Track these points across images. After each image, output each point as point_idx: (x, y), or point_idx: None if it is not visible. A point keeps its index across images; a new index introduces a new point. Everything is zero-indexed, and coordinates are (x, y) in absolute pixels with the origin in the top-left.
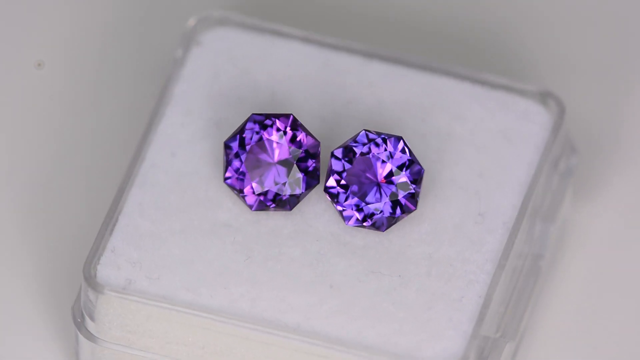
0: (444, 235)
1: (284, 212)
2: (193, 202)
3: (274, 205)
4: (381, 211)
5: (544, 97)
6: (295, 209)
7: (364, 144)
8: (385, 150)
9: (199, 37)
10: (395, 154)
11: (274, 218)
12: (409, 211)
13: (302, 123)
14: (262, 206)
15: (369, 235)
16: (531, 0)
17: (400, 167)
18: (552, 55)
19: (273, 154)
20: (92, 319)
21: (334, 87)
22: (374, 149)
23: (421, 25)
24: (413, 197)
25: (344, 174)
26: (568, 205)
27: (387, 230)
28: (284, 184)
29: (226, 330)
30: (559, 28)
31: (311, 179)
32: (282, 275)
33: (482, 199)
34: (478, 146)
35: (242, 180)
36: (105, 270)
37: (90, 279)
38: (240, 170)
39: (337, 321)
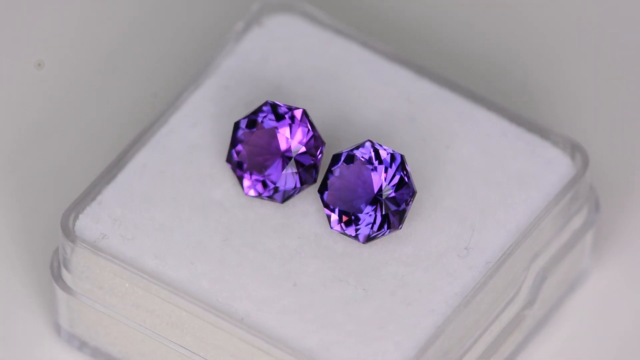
0: (423, 261)
1: (276, 204)
2: (195, 175)
3: (266, 194)
4: (368, 223)
5: (572, 148)
6: (289, 202)
7: (364, 154)
8: (383, 164)
9: (263, 19)
10: (391, 170)
11: (266, 207)
12: (393, 229)
13: (323, 122)
14: (255, 192)
15: (351, 244)
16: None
17: (394, 184)
18: (583, 107)
19: (276, 144)
20: (66, 268)
21: (373, 94)
22: (374, 160)
23: (464, 55)
24: (399, 216)
25: (338, 178)
26: (578, 261)
27: (371, 243)
28: (279, 175)
29: (178, 303)
30: (593, 85)
31: (308, 176)
32: (251, 263)
33: (474, 234)
34: (491, 182)
35: (242, 163)
36: (85, 221)
37: (66, 227)
38: (242, 152)
39: (286, 319)
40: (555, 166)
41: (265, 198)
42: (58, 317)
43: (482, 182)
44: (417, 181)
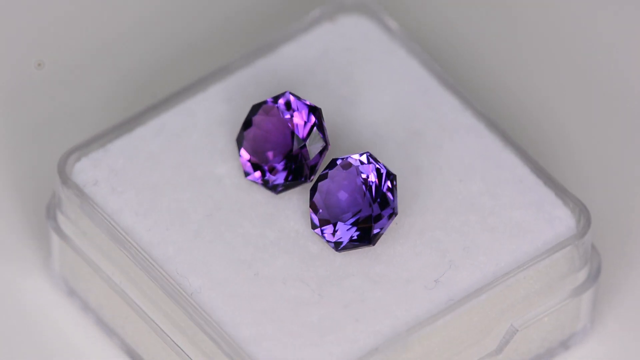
0: (389, 283)
1: (272, 193)
2: (207, 147)
3: (260, 181)
4: (343, 234)
5: (579, 211)
6: (285, 195)
7: (360, 164)
8: (373, 180)
9: (337, 15)
10: (380, 187)
11: (262, 194)
12: (365, 244)
13: (344, 127)
14: (252, 177)
15: (327, 249)
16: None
17: (377, 202)
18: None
19: (283, 135)
20: (59, 209)
21: (409, 113)
22: (366, 174)
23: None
24: (370, 234)
25: (329, 181)
26: (573, 320)
27: (346, 253)
28: (276, 167)
29: (139, 264)
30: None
31: (304, 173)
32: (223, 243)
33: (449, 270)
34: (488, 224)
35: (245, 145)
36: (85, 164)
37: (63, 167)
38: (250, 136)
39: (232, 305)
40: (557, 225)
41: (261, 185)
42: (51, 259)
43: (479, 222)
44: (416, 206)
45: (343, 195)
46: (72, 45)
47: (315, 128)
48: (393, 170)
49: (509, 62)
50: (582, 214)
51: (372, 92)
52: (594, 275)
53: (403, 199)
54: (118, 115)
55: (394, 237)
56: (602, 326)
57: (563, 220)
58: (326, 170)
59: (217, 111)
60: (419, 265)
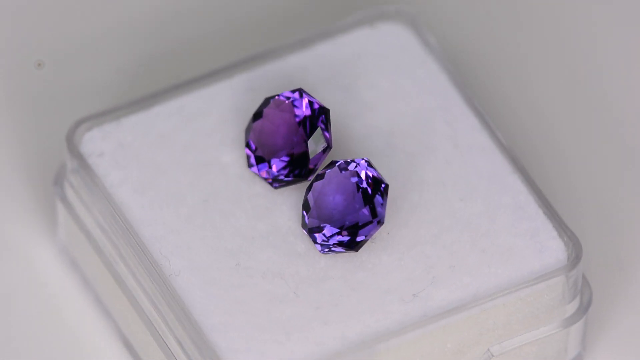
0: (367, 291)
1: (271, 187)
2: (219, 134)
3: (260, 173)
4: (328, 237)
5: (573, 245)
6: (285, 191)
7: (356, 172)
8: (365, 187)
9: (378, 21)
10: (371, 194)
11: (262, 187)
12: (349, 250)
13: (358, 133)
14: (254, 169)
15: (313, 250)
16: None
17: (366, 208)
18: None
19: (288, 132)
20: (65, 179)
21: (426, 127)
22: (359, 179)
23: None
24: (354, 240)
25: (323, 182)
26: (562, 349)
27: (331, 255)
28: (276, 162)
29: (125, 240)
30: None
31: (302, 172)
32: (212, 230)
33: (430, 286)
34: (479, 245)
35: (252, 136)
36: (95, 135)
37: (72, 134)
38: (257, 127)
39: (207, 292)
40: (547, 256)
41: (262, 177)
42: (57, 228)
43: (470, 242)
44: (412, 219)
45: (334, 198)
46: (100, 17)
47: (319, 128)
48: (397, 181)
49: (538, 89)
50: (574, 247)
51: (394, 101)
52: (584, 308)
53: (400, 211)
54: (141, 92)
55: (383, 246)
56: (591, 358)
57: (554, 252)
58: (323, 171)
59: (238, 100)
60: (401, 277)
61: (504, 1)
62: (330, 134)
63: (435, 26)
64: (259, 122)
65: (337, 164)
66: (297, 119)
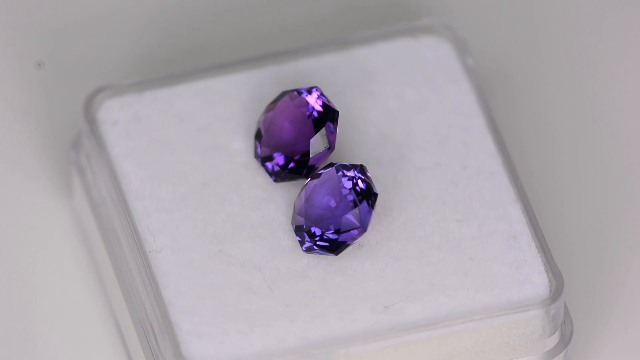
0: (341, 296)
1: (273, 181)
2: (236, 120)
3: (262, 164)
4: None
5: (556, 282)
6: (287, 185)
7: (349, 176)
8: (353, 192)
9: (422, 34)
10: (358, 201)
11: (264, 178)
12: (329, 253)
13: (368, 142)
14: (258, 159)
15: (298, 248)
16: None
17: (350, 214)
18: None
19: (295, 126)
20: (80, 144)
21: (441, 145)
22: (349, 185)
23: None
24: (335, 244)
25: (316, 182)
26: None
27: (314, 256)
28: (277, 157)
29: (117, 211)
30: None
31: (297, 168)
32: (204, 213)
33: (405, 300)
34: (463, 267)
35: (261, 126)
36: (114, 104)
37: (90, 100)
38: (267, 118)
39: (182, 273)
40: (528, 289)
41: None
42: (71, 192)
43: (455, 263)
44: (404, 232)
45: (323, 199)
46: None
47: (324, 128)
48: (399, 193)
49: (565, 122)
50: (557, 283)
51: (416, 114)
52: (565, 342)
53: (395, 222)
54: (173, 67)
55: (368, 254)
56: None
57: (536, 285)
58: (320, 172)
59: (263, 90)
60: (378, 287)
61: (552, 34)
62: (334, 136)
63: (479, 45)
64: (269, 114)
65: (333, 166)
66: (306, 116)
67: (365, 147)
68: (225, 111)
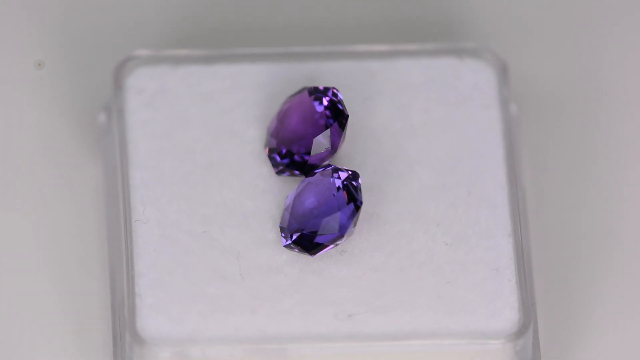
0: (309, 298)
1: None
2: (259, 109)
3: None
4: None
5: (525, 315)
6: (290, 180)
7: (335, 182)
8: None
9: (466, 55)
10: (341, 206)
11: (271, 171)
12: (304, 252)
13: (386, 154)
14: (267, 150)
15: (279, 246)
16: None
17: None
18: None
19: (305, 122)
20: (107, 110)
21: (455, 168)
22: (336, 189)
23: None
24: (313, 247)
25: (306, 182)
26: None
27: (293, 253)
28: (281, 146)
29: (114, 181)
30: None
31: (297, 165)
32: (200, 194)
33: (370, 311)
34: (437, 292)
35: (276, 117)
36: (145, 72)
37: (121, 65)
38: (282, 110)
39: (161, 245)
40: (495, 322)
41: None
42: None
43: (432, 284)
44: (390, 246)
45: (308, 199)
46: None
47: (329, 130)
48: (398, 206)
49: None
50: (526, 319)
51: (437, 132)
52: None
53: (385, 235)
54: (215, 45)
55: (349, 261)
56: None
57: (505, 321)
58: (315, 172)
59: (297, 84)
60: (349, 295)
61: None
62: (339, 139)
63: (523, 70)
64: (285, 106)
65: (326, 168)
66: (316, 114)
67: (378, 156)
68: (252, 98)
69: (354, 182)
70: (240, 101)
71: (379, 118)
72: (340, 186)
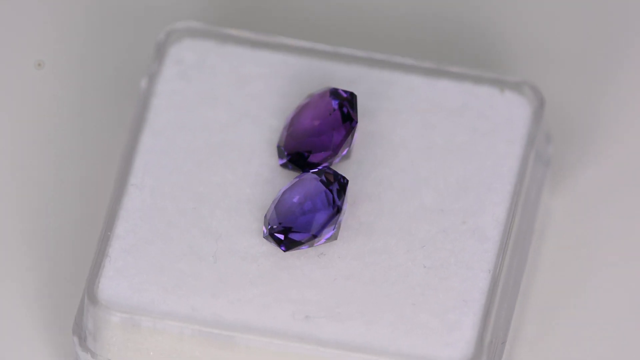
0: (273, 291)
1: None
2: (289, 100)
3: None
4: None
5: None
6: (295, 174)
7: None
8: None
9: (509, 89)
10: (321, 209)
11: (275, 162)
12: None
13: (394, 172)
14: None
15: (261, 237)
16: None
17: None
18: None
19: (315, 120)
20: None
21: (459, 197)
22: (322, 192)
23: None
24: (290, 242)
25: (297, 179)
26: None
27: (272, 248)
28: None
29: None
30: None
31: (297, 163)
32: (201, 172)
33: (327, 317)
34: (399, 312)
35: (294, 111)
36: (190, 44)
37: (169, 33)
38: (300, 105)
39: (145, 214)
40: (448, 353)
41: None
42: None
43: (398, 303)
44: (369, 259)
45: (291, 195)
46: None
47: (334, 132)
48: (390, 222)
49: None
50: (475, 355)
51: (454, 159)
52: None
53: (367, 245)
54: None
55: (324, 264)
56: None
57: (458, 351)
58: (308, 170)
59: (334, 84)
60: (314, 297)
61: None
62: (342, 143)
63: (560, 110)
64: (304, 102)
65: (320, 169)
66: (327, 116)
67: (388, 169)
68: (285, 89)
69: (338, 187)
70: (272, 90)
71: (402, 132)
72: (324, 188)
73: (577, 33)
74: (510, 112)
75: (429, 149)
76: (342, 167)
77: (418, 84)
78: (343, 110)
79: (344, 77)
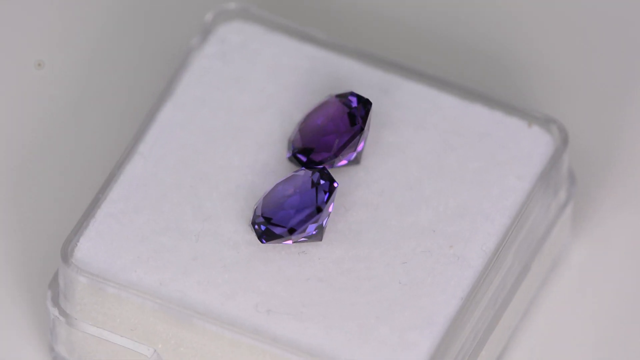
0: (243, 279)
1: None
2: (311, 98)
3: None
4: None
5: None
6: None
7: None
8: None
9: (536, 124)
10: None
11: (282, 160)
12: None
13: (398, 185)
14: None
15: (249, 232)
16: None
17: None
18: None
19: (324, 121)
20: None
21: (457, 220)
22: (311, 190)
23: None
24: (272, 237)
25: (291, 174)
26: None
27: (264, 249)
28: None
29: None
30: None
31: (298, 161)
32: (212, 153)
33: (289, 315)
34: (374, 323)
35: (311, 109)
36: (239, 26)
37: (220, 13)
38: (317, 104)
39: (140, 193)
40: None
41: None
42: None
43: (362, 312)
44: (348, 266)
45: (281, 190)
46: None
47: (337, 139)
48: (386, 234)
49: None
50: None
51: (460, 184)
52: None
53: (350, 252)
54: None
55: (301, 263)
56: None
57: None
58: (305, 168)
59: (366, 90)
60: (282, 294)
61: None
62: (344, 148)
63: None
64: (322, 102)
65: (312, 168)
66: (337, 118)
67: (393, 181)
68: (318, 86)
69: (326, 188)
70: (306, 85)
71: (419, 148)
72: (312, 187)
73: (600, 70)
74: (531, 147)
75: (440, 169)
76: (348, 172)
77: (449, 104)
78: (353, 115)
79: (378, 85)
